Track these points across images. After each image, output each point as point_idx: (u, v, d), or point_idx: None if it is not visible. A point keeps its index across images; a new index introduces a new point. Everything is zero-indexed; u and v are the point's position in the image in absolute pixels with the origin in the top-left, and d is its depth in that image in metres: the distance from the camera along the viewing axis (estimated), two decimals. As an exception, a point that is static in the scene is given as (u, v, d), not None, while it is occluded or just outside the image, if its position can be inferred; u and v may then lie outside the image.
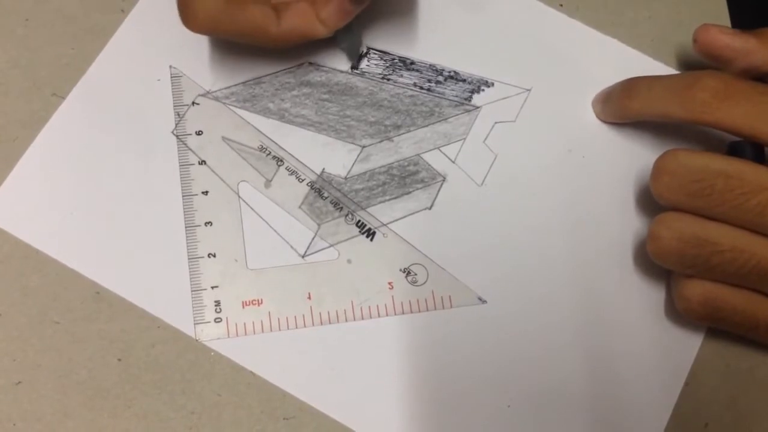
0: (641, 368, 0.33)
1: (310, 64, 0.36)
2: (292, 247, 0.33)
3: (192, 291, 0.33)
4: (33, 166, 0.34)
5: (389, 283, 0.33)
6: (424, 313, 0.33)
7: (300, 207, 0.34)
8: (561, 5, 0.38)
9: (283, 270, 0.33)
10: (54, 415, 0.31)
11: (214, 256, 0.33)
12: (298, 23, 0.32)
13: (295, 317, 0.33)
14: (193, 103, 0.35)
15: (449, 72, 0.36)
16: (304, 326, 0.33)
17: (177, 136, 0.35)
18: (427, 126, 0.35)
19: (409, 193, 0.35)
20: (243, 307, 0.33)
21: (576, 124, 0.36)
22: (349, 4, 0.31)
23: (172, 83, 0.35)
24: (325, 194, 0.34)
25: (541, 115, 0.36)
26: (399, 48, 0.37)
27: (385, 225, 0.34)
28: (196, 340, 0.32)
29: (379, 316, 0.33)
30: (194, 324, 0.32)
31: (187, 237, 0.33)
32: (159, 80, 0.35)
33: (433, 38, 0.37)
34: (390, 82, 0.36)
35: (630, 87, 0.34)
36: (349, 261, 0.33)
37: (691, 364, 0.33)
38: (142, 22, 0.36)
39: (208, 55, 0.36)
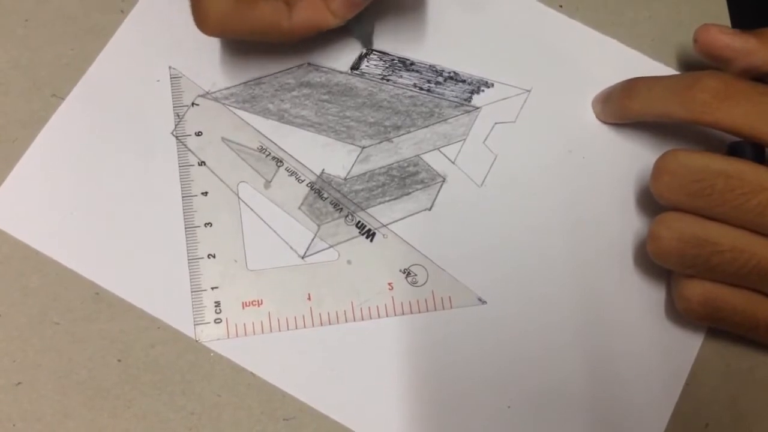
0: (641, 368, 0.33)
1: (310, 64, 0.36)
2: (291, 248, 0.33)
3: (192, 292, 0.33)
4: (33, 167, 0.34)
5: (389, 284, 0.33)
6: (424, 314, 0.33)
7: (300, 208, 0.34)
8: (561, 6, 0.38)
9: (283, 271, 0.33)
10: (54, 415, 0.31)
11: (214, 256, 0.33)
12: (309, 15, 0.32)
13: (295, 318, 0.33)
14: (193, 103, 0.35)
15: (449, 73, 0.36)
16: (304, 327, 0.33)
17: (176, 136, 0.35)
18: (426, 127, 0.35)
19: (409, 193, 0.35)
20: (243, 307, 0.33)
21: (576, 124, 0.36)
22: None
23: (171, 84, 0.35)
24: (325, 195, 0.34)
25: (541, 116, 0.36)
26: (399, 49, 0.37)
27: (385, 226, 0.34)
28: (196, 341, 0.32)
29: (379, 316, 0.33)
30: (194, 325, 0.32)
31: (186, 238, 0.33)
32: (158, 81, 0.35)
33: (433, 39, 0.37)
34: (390, 82, 0.36)
35: (630, 87, 0.34)
36: (349, 262, 0.33)
37: (691, 364, 0.33)
38: (142, 23, 0.36)
39: (207, 56, 0.36)
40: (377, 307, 0.33)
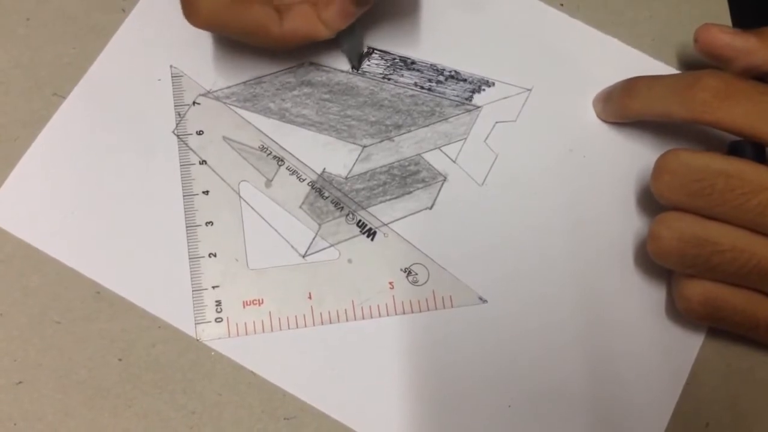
0: (642, 368, 0.33)
1: (311, 63, 0.36)
2: (292, 246, 0.33)
3: (193, 291, 0.33)
4: (34, 166, 0.34)
5: (390, 283, 0.33)
6: (424, 313, 0.33)
7: (301, 207, 0.34)
8: (562, 5, 0.38)
9: (283, 270, 0.33)
10: (55, 414, 0.31)
11: (215, 255, 0.33)
12: (300, 24, 0.32)
13: (296, 317, 0.33)
14: (194, 102, 0.35)
15: (450, 72, 0.36)
16: (305, 326, 0.33)
17: (178, 135, 0.35)
18: (427, 126, 0.35)
19: (410, 192, 0.35)
20: (244, 306, 0.33)
21: (577, 123, 0.36)
22: (352, 5, 0.31)
23: (173, 83, 0.35)
24: (326, 194, 0.34)
25: (542, 115, 0.36)
26: (400, 48, 0.37)
27: (385, 225, 0.34)
28: (197, 340, 0.32)
29: (379, 315, 0.33)
30: (195, 324, 0.32)
31: (187, 237, 0.33)
32: (160, 80, 0.35)
33: (433, 38, 0.37)
34: (391, 81, 0.36)
35: (630, 86, 0.34)
36: (349, 261, 0.33)
37: (691, 364, 0.33)
38: (143, 22, 0.36)
39: (209, 55, 0.36)
40: (378, 306, 0.33)
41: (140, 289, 0.33)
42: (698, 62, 0.34)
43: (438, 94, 0.36)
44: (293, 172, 0.34)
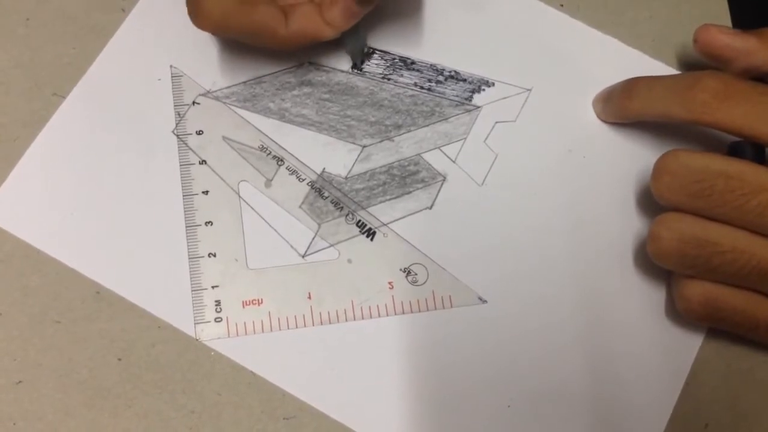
0: (641, 368, 0.33)
1: (311, 63, 0.36)
2: (292, 246, 0.34)
3: (192, 291, 0.33)
4: (34, 166, 0.34)
5: (389, 283, 0.33)
6: (424, 313, 0.33)
7: (300, 207, 0.34)
8: (561, 5, 0.38)
9: (283, 270, 0.33)
10: (55, 414, 0.31)
11: (215, 255, 0.33)
12: (305, 25, 0.32)
13: (296, 317, 0.33)
14: (194, 102, 0.35)
15: (450, 72, 0.36)
16: (305, 326, 0.33)
17: (177, 135, 0.35)
18: (427, 126, 0.35)
19: (410, 192, 0.35)
20: (243, 306, 0.33)
21: (576, 124, 0.36)
22: (356, 5, 0.31)
23: (172, 83, 0.35)
24: (326, 194, 0.34)
25: (542, 115, 0.36)
26: (399, 48, 0.37)
27: (385, 225, 0.34)
28: (197, 340, 0.32)
29: (379, 315, 0.33)
30: (194, 324, 0.32)
31: (187, 236, 0.33)
32: (160, 80, 0.35)
33: (433, 38, 0.37)
34: (390, 81, 0.36)
35: (630, 87, 0.34)
36: (349, 261, 0.33)
37: (691, 365, 0.33)
38: (143, 22, 0.36)
39: (208, 55, 0.36)
40: (377, 306, 0.33)
41: (140, 289, 0.33)
42: (698, 63, 0.34)
43: (438, 94, 0.36)
44: (293, 172, 0.34)
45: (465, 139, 0.35)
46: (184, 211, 0.34)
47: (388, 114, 0.36)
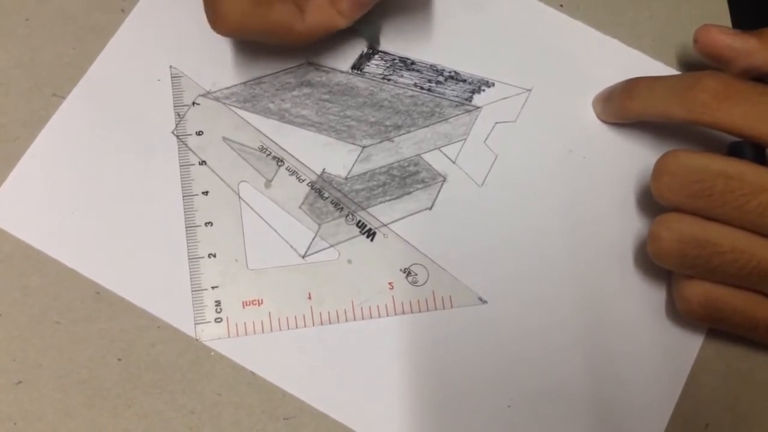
0: (642, 368, 0.33)
1: (311, 64, 0.36)
2: (292, 247, 0.34)
3: (192, 291, 0.33)
4: (33, 166, 0.34)
5: (390, 284, 0.33)
6: (424, 314, 0.33)
7: (300, 207, 0.34)
8: (561, 5, 0.38)
9: (283, 270, 0.33)
10: (54, 414, 0.31)
11: (215, 256, 0.33)
12: (320, 17, 0.32)
13: (296, 317, 0.33)
14: (194, 103, 0.35)
15: (450, 72, 0.36)
16: (305, 326, 0.33)
17: (177, 136, 0.35)
18: (427, 126, 0.35)
19: (410, 193, 0.35)
20: (243, 307, 0.33)
21: (576, 124, 0.36)
22: None
23: (172, 83, 0.35)
24: (326, 194, 0.34)
25: (542, 116, 0.36)
26: (399, 48, 0.37)
27: (385, 225, 0.34)
28: (197, 340, 0.32)
29: (379, 316, 0.33)
30: (195, 324, 0.32)
31: (187, 237, 0.33)
32: (159, 80, 0.35)
33: (433, 38, 0.37)
34: (390, 82, 0.36)
35: (630, 87, 0.34)
36: (349, 261, 0.33)
37: (691, 365, 0.33)
38: (143, 22, 0.36)
39: (208, 56, 0.36)
40: (378, 306, 0.33)
41: (140, 289, 0.33)
42: (698, 63, 0.34)
43: (438, 95, 0.36)
44: (293, 173, 0.34)
45: (465, 139, 0.35)
46: (184, 212, 0.34)
47: (387, 114, 0.36)
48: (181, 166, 0.34)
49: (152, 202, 0.34)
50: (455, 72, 0.36)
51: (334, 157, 0.35)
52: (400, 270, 0.33)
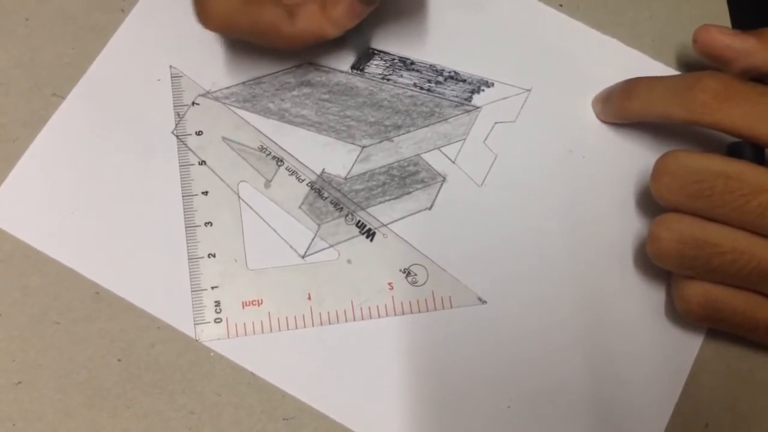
0: (641, 369, 0.33)
1: (310, 64, 0.36)
2: (292, 247, 0.34)
3: (192, 291, 0.33)
4: (33, 166, 0.34)
5: (389, 284, 0.33)
6: (424, 314, 0.33)
7: (300, 207, 0.34)
8: (561, 5, 0.38)
9: (283, 270, 0.33)
10: (54, 414, 0.31)
11: (214, 256, 0.33)
12: (309, 24, 0.32)
13: (295, 317, 0.33)
14: (193, 103, 0.35)
15: (449, 72, 0.36)
16: (304, 326, 0.33)
17: (177, 136, 0.35)
18: (427, 126, 0.35)
19: (409, 193, 0.35)
20: (243, 307, 0.33)
21: (576, 124, 0.36)
22: (360, 5, 0.31)
23: (172, 83, 0.35)
24: (325, 194, 0.34)
25: (542, 116, 0.36)
26: (399, 48, 0.37)
27: (385, 225, 0.34)
28: (196, 341, 0.32)
29: (379, 316, 0.33)
30: (194, 324, 0.32)
31: (187, 237, 0.33)
32: (159, 80, 0.35)
33: (433, 38, 0.37)
34: (390, 82, 0.36)
35: (630, 87, 0.34)
36: (349, 261, 0.33)
37: (691, 365, 0.33)
38: (143, 22, 0.36)
39: (208, 56, 0.36)
40: (377, 306, 0.33)
41: (139, 289, 0.33)
42: (698, 63, 0.34)
43: (437, 95, 0.36)
44: (292, 173, 0.34)
45: (464, 139, 0.35)
46: (184, 212, 0.34)
47: (387, 114, 0.36)
48: (180, 166, 0.34)
49: (152, 202, 0.34)
50: (455, 72, 0.36)
51: (333, 157, 0.35)
52: (400, 270, 0.33)
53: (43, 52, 0.36)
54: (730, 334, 0.32)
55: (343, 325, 0.33)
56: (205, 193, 0.34)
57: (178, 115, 0.35)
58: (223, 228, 0.33)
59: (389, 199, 0.34)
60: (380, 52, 0.37)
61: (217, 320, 0.32)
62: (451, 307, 0.33)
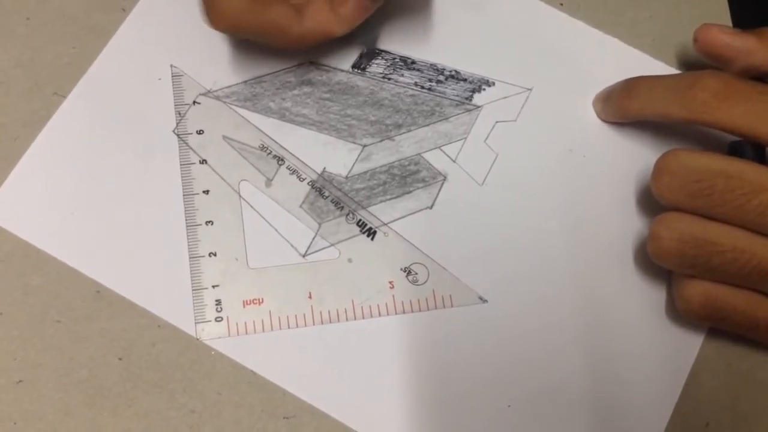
0: (642, 368, 0.33)
1: (311, 63, 0.36)
2: (292, 246, 0.34)
3: (193, 290, 0.33)
4: (34, 166, 0.34)
5: (390, 283, 0.33)
6: (424, 313, 0.33)
7: (301, 206, 0.34)
8: (561, 4, 0.38)
9: (284, 269, 0.33)
10: (55, 413, 0.31)
11: (215, 255, 0.33)
12: (318, 22, 0.32)
13: (296, 316, 0.33)
14: (194, 102, 0.35)
15: (450, 71, 0.36)
16: (305, 325, 0.33)
17: (178, 135, 0.35)
18: (427, 125, 0.35)
19: (410, 192, 0.35)
20: (244, 306, 0.33)
21: (577, 123, 0.36)
22: (367, 1, 0.31)
23: (173, 82, 0.35)
24: (326, 193, 0.34)
25: (542, 115, 0.36)
26: (400, 47, 0.37)
27: (385, 224, 0.34)
28: (197, 339, 0.32)
29: (379, 315, 0.33)
30: (195, 323, 0.32)
31: (188, 236, 0.33)
32: (160, 79, 0.35)
33: (434, 38, 0.37)
34: (391, 81, 0.36)
35: (630, 87, 0.34)
36: (349, 260, 0.33)
37: (691, 365, 0.33)
38: (143, 21, 0.36)
39: (209, 55, 0.36)
40: (378, 305, 0.33)
41: (140, 288, 0.33)
42: (698, 62, 0.34)
43: (438, 94, 0.36)
44: (293, 172, 0.34)
45: (465, 138, 0.36)
46: (185, 211, 0.34)
47: (388, 113, 0.36)
48: (181, 165, 0.34)
49: (153, 201, 0.34)
50: (456, 71, 0.36)
51: (334, 156, 0.35)
52: (401, 269, 0.34)
53: (43, 51, 0.36)
54: (731, 334, 0.32)
55: (343, 324, 0.33)
56: (206, 192, 0.34)
57: (179, 114, 0.35)
58: (224, 227, 0.34)
59: (390, 198, 0.34)
60: (381, 51, 0.37)
61: (218, 319, 0.32)
62: (452, 306, 0.33)
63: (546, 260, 0.34)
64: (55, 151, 0.34)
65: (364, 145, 0.35)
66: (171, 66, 0.36)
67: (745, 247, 0.29)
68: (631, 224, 0.35)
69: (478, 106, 0.36)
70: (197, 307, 0.32)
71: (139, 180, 0.34)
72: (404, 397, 0.32)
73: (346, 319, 0.33)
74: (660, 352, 0.33)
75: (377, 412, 0.32)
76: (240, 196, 0.34)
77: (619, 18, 0.38)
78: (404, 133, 0.35)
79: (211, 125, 0.35)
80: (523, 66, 0.37)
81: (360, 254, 0.34)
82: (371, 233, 0.34)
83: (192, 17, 0.35)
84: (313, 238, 0.34)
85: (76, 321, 0.32)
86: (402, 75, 0.36)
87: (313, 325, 0.33)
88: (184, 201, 0.34)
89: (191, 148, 0.34)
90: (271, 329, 0.32)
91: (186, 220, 0.33)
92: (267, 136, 0.35)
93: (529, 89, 0.36)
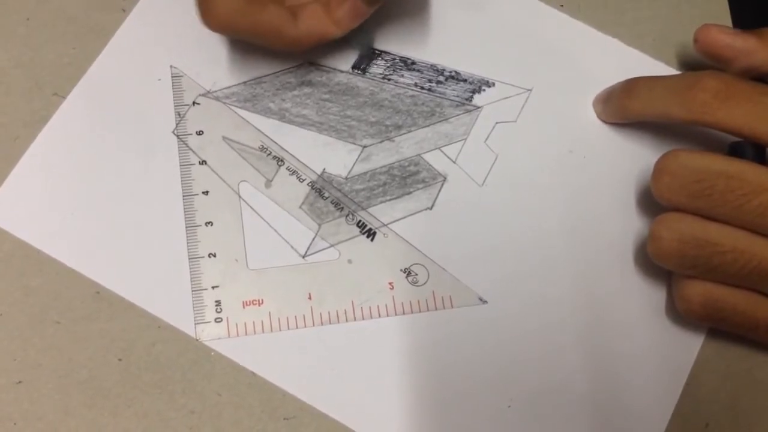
0: (642, 368, 0.33)
1: (311, 63, 0.36)
2: (292, 247, 0.34)
3: (192, 291, 0.33)
4: (34, 166, 0.34)
5: (390, 283, 0.33)
6: (424, 314, 0.33)
7: (300, 207, 0.34)
8: (562, 5, 0.38)
9: (283, 270, 0.33)
10: (54, 414, 0.31)
11: (215, 256, 0.33)
12: (313, 25, 0.32)
13: (296, 317, 0.33)
14: (194, 102, 0.35)
15: (450, 72, 0.36)
16: (305, 326, 0.33)
17: (177, 135, 0.35)
18: (427, 126, 0.35)
19: (410, 193, 0.35)
20: (243, 307, 0.33)
21: (577, 124, 0.36)
22: (363, 4, 0.31)
23: (172, 83, 0.35)
24: (326, 194, 0.34)
25: (542, 115, 0.36)
26: (400, 48, 0.37)
27: (385, 225, 0.34)
28: (197, 340, 0.32)
29: (379, 316, 0.33)
30: (195, 324, 0.32)
31: (187, 237, 0.33)
32: (160, 80, 0.35)
33: (434, 38, 0.37)
34: (391, 82, 0.36)
35: (630, 87, 0.34)
36: (349, 261, 0.33)
37: (691, 365, 0.33)
38: (143, 22, 0.36)
39: (209, 55, 0.36)
40: (378, 306, 0.33)
41: (140, 289, 0.33)
42: (698, 63, 0.34)
43: (438, 95, 0.36)
44: (293, 173, 0.34)
45: (465, 139, 0.35)
46: (184, 212, 0.34)
47: (388, 114, 0.36)
48: (181, 165, 0.34)
49: (152, 201, 0.34)
50: (456, 72, 0.36)
51: (334, 157, 0.35)
52: (401, 270, 0.33)
53: (43, 51, 0.36)
54: (731, 334, 0.32)
55: (343, 325, 0.33)
56: (206, 192, 0.34)
57: (179, 114, 0.35)
58: (224, 228, 0.33)
59: (390, 199, 0.34)
60: (381, 51, 0.37)
61: (218, 320, 0.32)
62: (452, 306, 0.33)
63: (546, 260, 0.34)
64: (55, 151, 0.34)
65: (364, 146, 0.35)
66: (171, 66, 0.36)
67: (746, 248, 0.29)
68: (631, 224, 0.35)
69: (478, 107, 0.36)
70: (197, 308, 0.32)
71: (139, 181, 0.34)
72: (404, 397, 0.32)
73: (346, 320, 0.33)
74: (660, 352, 0.33)
75: (377, 413, 0.32)
76: (240, 196, 0.34)
77: (619, 18, 0.38)
78: (404, 133, 0.35)
79: (211, 126, 0.35)
80: (523, 66, 0.37)
81: (360, 255, 0.34)
82: (371, 234, 0.34)
83: (192, 18, 0.35)
84: (313, 239, 0.34)
85: (75, 321, 0.32)
86: (402, 76, 0.36)
87: (313, 326, 0.33)
88: (184, 202, 0.34)
89: (191, 149, 0.34)
90: (271, 330, 0.32)
91: (186, 220, 0.33)
92: (267, 136, 0.35)
93: (529, 90, 0.36)
